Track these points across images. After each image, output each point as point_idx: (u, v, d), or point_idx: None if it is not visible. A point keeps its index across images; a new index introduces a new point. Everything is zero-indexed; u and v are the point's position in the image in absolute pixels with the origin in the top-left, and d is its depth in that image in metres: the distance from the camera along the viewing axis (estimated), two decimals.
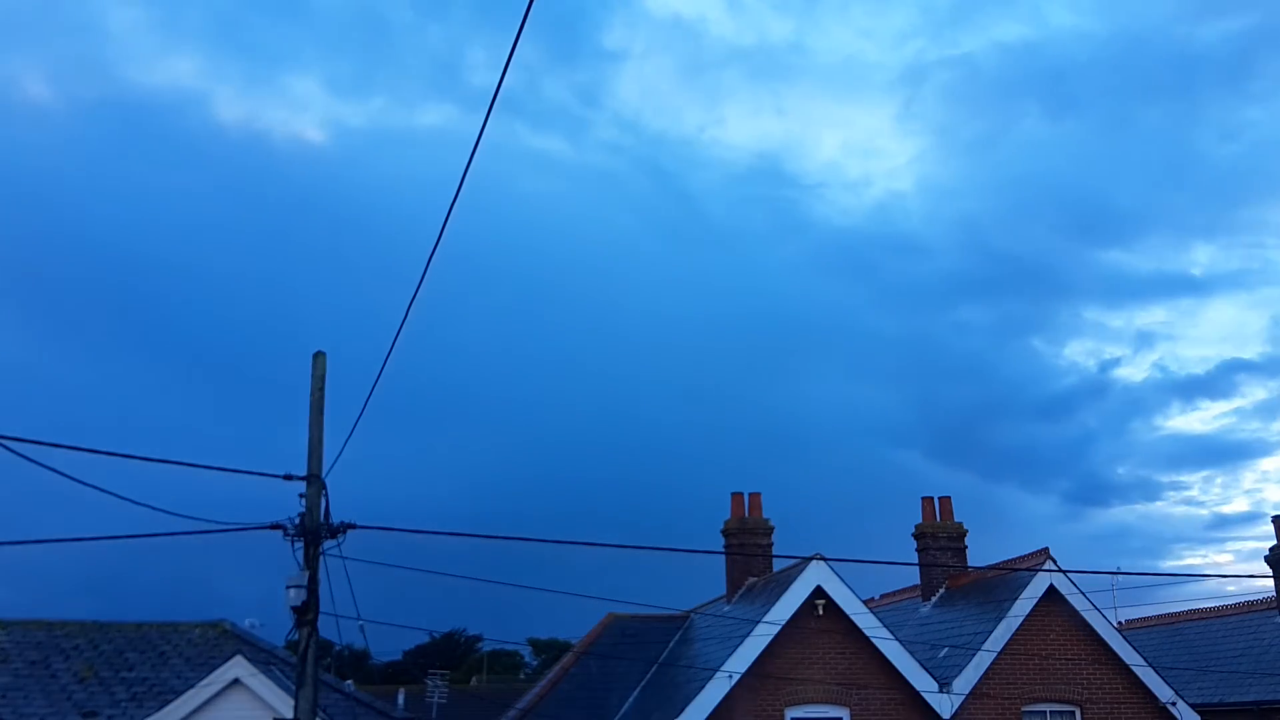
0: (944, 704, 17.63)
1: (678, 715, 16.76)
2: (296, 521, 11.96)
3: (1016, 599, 18.64)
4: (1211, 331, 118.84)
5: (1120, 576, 24.06)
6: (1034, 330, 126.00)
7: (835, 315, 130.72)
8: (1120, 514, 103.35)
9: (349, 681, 27.59)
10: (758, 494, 23.04)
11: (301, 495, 12.09)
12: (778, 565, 21.41)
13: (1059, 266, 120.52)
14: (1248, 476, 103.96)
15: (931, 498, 22.90)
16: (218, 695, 15.92)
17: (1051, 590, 18.76)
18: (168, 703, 16.21)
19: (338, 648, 50.07)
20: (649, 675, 21.84)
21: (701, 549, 16.90)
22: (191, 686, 16.26)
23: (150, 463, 10.41)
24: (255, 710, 15.93)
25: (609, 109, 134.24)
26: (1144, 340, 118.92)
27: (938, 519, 22.66)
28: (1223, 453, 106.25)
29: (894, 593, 25.75)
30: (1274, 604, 23.36)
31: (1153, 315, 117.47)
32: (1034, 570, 18.99)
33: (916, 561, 22.79)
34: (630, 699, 21.05)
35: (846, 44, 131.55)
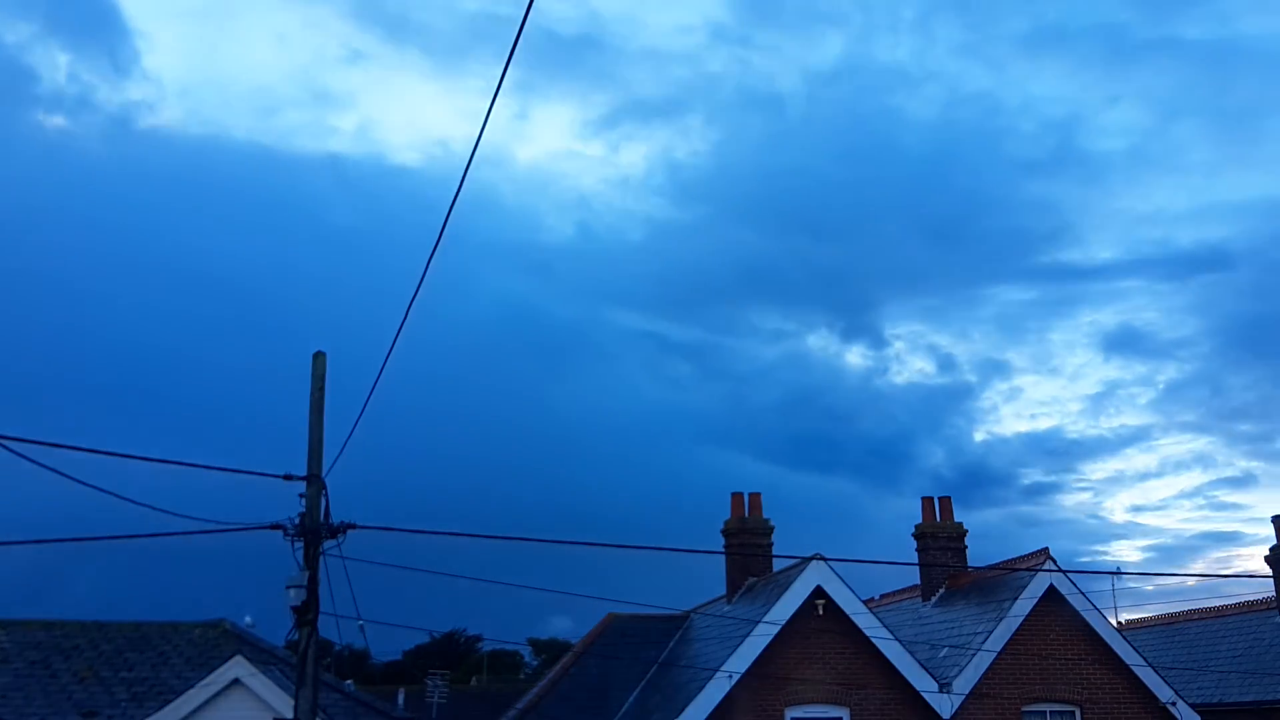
0: (944, 704, 17.63)
1: (678, 715, 16.76)
2: (296, 521, 11.97)
3: (1016, 599, 18.64)
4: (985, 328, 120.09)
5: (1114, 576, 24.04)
6: (808, 332, 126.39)
7: (587, 323, 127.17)
8: (989, 516, 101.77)
9: (349, 681, 27.61)
10: (757, 494, 23.02)
11: (301, 495, 12.09)
12: (778, 565, 21.40)
13: (786, 267, 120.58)
14: (1095, 473, 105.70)
15: (931, 498, 22.89)
16: (218, 695, 15.92)
17: (1051, 590, 18.77)
18: (168, 703, 16.21)
19: (338, 648, 50.14)
20: (649, 675, 21.84)
21: (702, 549, 16.89)
22: (191, 686, 16.26)
23: (150, 463, 10.41)
24: (255, 710, 15.92)
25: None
26: (917, 337, 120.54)
27: (938, 519, 22.64)
28: (1061, 452, 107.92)
29: (894, 593, 25.73)
30: (1274, 604, 23.36)
31: (921, 309, 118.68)
32: (1034, 570, 19.00)
33: (916, 561, 22.78)
34: (630, 699, 21.03)
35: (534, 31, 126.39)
